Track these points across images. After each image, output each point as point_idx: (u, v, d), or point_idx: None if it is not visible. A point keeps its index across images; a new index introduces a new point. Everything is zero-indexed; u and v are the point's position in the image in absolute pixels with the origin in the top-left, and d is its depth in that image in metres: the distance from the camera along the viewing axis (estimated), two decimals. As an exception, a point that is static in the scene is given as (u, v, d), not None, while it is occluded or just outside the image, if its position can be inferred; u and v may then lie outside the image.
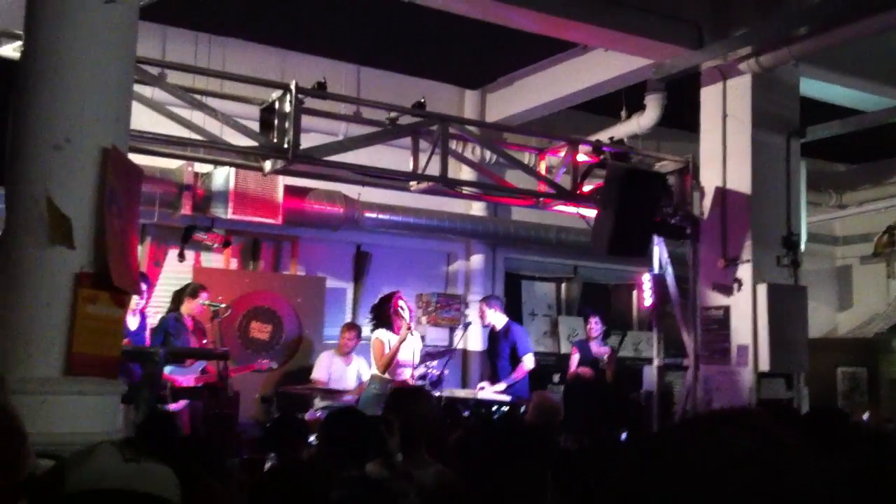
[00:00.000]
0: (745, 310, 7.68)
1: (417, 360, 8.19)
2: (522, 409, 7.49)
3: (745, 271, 7.75)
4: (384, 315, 8.06)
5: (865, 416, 8.73)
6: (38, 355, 3.13)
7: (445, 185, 7.61)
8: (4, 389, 0.85)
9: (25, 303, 3.20)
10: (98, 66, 3.34)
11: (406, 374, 8.03)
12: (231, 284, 9.19)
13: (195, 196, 8.49)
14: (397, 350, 7.86)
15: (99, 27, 3.37)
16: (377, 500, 3.19)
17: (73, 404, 3.15)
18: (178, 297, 8.06)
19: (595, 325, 9.25)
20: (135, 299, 7.59)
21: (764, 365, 7.50)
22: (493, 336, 8.95)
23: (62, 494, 1.47)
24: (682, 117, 9.08)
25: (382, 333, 7.99)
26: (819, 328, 11.63)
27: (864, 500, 2.45)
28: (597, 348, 9.11)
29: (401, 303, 8.05)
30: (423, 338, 8.11)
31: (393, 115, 7.42)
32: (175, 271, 9.05)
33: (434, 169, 7.33)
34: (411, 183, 7.59)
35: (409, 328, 7.96)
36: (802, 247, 8.06)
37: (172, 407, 7.26)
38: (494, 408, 7.93)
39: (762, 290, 7.60)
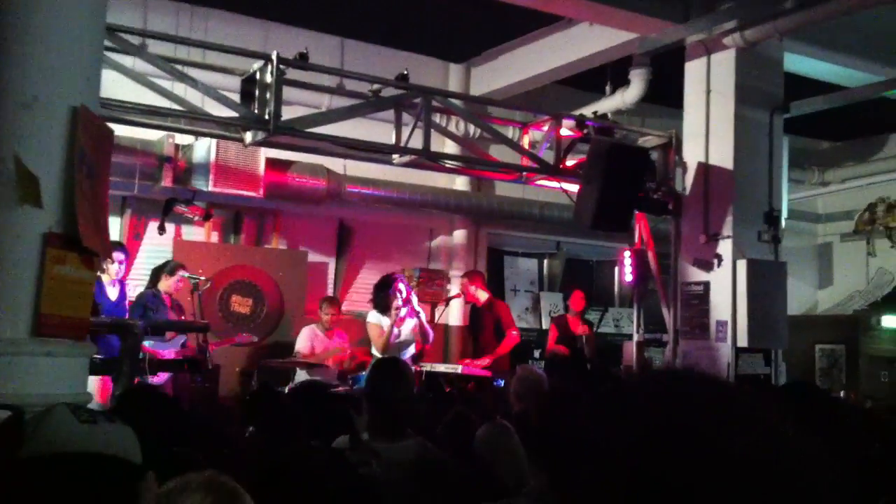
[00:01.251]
0: (725, 285, 7.70)
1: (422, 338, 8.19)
2: (503, 382, 7.50)
3: (725, 247, 7.77)
4: (383, 297, 8.07)
5: (841, 394, 8.79)
6: (6, 316, 3.09)
7: (428, 159, 7.58)
8: None
9: (-7, 263, 3.16)
10: (67, 24, 3.28)
11: (409, 354, 8.02)
12: (212, 258, 9.14)
13: (176, 168, 8.43)
14: (390, 332, 7.89)
15: (68, -16, 3.32)
16: (336, 467, 3.19)
17: (42, 366, 3.11)
18: (157, 274, 8.01)
19: (577, 301, 9.25)
20: (113, 269, 7.57)
21: (742, 340, 7.53)
22: (476, 311, 8.94)
23: (18, 459, 1.42)
24: (667, 93, 9.06)
25: (374, 316, 8.04)
26: (799, 305, 11.70)
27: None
28: (576, 326, 9.12)
29: (400, 286, 8.06)
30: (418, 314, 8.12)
31: (376, 87, 7.36)
32: (156, 244, 8.99)
33: (417, 142, 7.29)
34: (394, 156, 7.55)
35: (398, 310, 7.97)
36: (783, 223, 8.07)
37: (153, 380, 7.23)
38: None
39: (742, 265, 7.62)
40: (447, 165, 8.31)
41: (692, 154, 8.14)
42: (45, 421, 1.50)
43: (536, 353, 9.96)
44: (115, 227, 8.85)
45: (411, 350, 8.10)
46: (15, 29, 3.18)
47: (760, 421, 0.86)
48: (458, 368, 8.35)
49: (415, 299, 8.14)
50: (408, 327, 8.05)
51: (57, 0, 3.27)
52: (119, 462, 1.49)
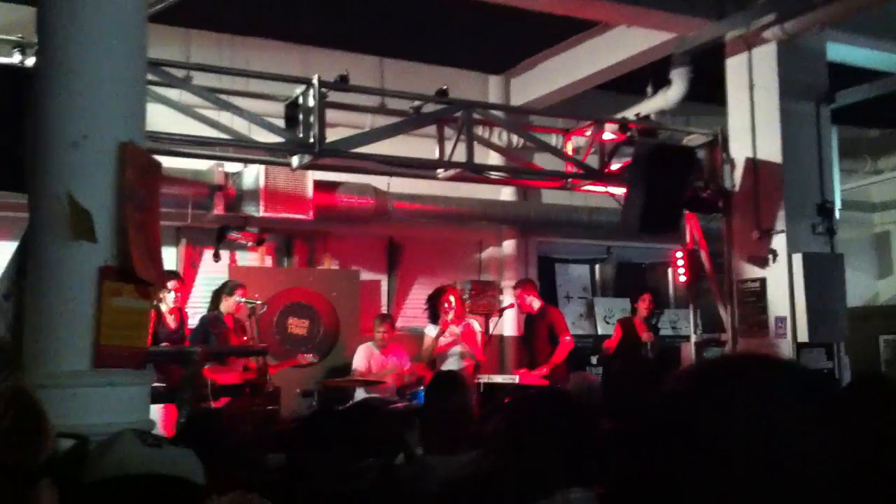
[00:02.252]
0: (782, 281, 7.58)
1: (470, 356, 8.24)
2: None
3: (779, 242, 7.65)
4: (434, 310, 8.18)
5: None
6: (66, 349, 3.20)
7: (472, 171, 7.62)
8: (17, 369, 0.88)
9: (52, 298, 3.27)
10: (110, 64, 3.40)
11: (456, 365, 8.07)
12: (267, 281, 9.28)
13: (227, 196, 8.58)
14: (433, 345, 7.95)
15: (108, 26, 3.43)
16: (394, 485, 3.22)
17: (103, 396, 3.21)
18: (217, 296, 8.17)
19: (646, 303, 9.11)
20: (170, 298, 7.74)
21: (803, 336, 7.41)
22: (530, 320, 8.94)
23: (86, 484, 1.48)
24: (710, 89, 8.96)
25: (430, 329, 8.15)
26: (859, 296, 11.43)
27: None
28: (641, 330, 9.00)
29: (450, 297, 8.14)
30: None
31: (417, 103, 7.44)
32: (212, 272, 9.16)
33: (460, 156, 7.34)
34: (438, 171, 7.60)
35: (445, 324, 8.03)
36: (837, 214, 7.93)
37: (215, 405, 7.35)
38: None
39: (797, 259, 7.51)
40: (492, 177, 8.34)
41: (739, 150, 8.05)
42: (112, 446, 1.56)
43: (593, 360, 9.89)
44: (171, 257, 9.05)
45: (460, 362, 8.11)
46: (60, 71, 3.31)
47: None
48: (516, 379, 8.34)
49: (466, 312, 8.20)
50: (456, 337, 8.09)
51: (99, 41, 3.39)
52: (183, 483, 1.54)
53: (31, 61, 5.51)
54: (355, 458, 3.48)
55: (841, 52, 8.29)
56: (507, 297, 10.08)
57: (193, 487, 1.56)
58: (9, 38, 5.73)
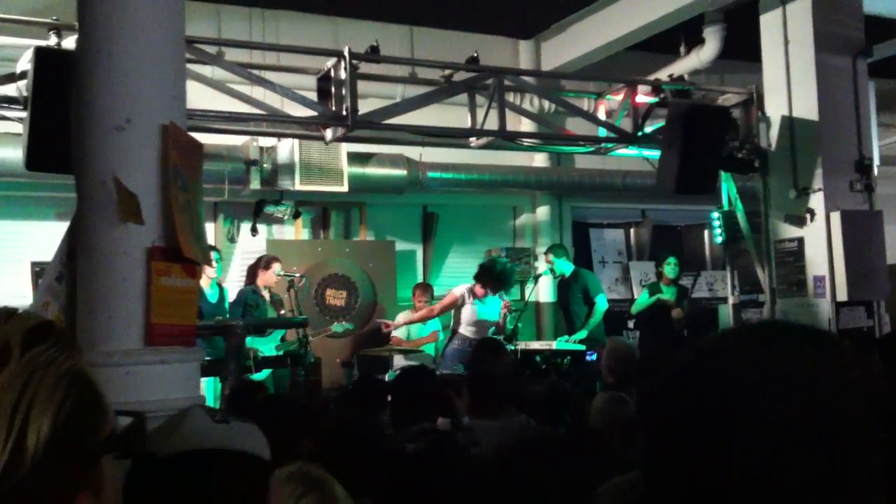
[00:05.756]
0: (820, 240, 7.52)
1: (501, 320, 8.24)
2: (594, 354, 7.50)
3: (817, 200, 7.58)
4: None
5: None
6: (119, 329, 3.29)
7: (505, 139, 7.61)
8: (75, 352, 0.92)
9: (103, 280, 3.35)
10: (150, 47, 3.45)
11: (489, 333, 8.11)
12: (304, 254, 9.39)
13: (262, 170, 8.65)
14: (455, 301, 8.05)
15: (147, 9, 3.48)
16: (449, 449, 3.28)
17: (156, 373, 3.30)
18: (253, 271, 8.28)
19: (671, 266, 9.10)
20: (211, 272, 7.85)
21: (842, 294, 7.35)
22: (563, 284, 8.95)
23: (159, 457, 1.52)
24: (745, 46, 8.84)
25: (462, 288, 8.13)
26: (900, 253, 11.29)
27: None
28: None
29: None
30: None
31: (447, 72, 7.42)
32: (250, 246, 9.27)
33: (492, 123, 7.32)
34: (471, 139, 7.60)
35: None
36: (876, 171, 7.83)
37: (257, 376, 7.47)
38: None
39: (836, 218, 7.43)
40: (524, 143, 8.32)
41: (775, 108, 7.95)
42: (183, 421, 1.60)
43: (630, 324, 9.90)
44: (210, 232, 9.16)
45: (491, 331, 8.15)
46: (101, 57, 3.36)
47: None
48: (553, 344, 8.38)
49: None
50: (489, 308, 8.09)
51: (139, 25, 3.43)
52: (252, 458, 1.59)
53: (67, 43, 5.59)
54: (407, 424, 3.55)
55: (877, 4, 8.13)
56: (542, 263, 10.08)
57: (262, 463, 1.61)
58: (45, 20, 5.80)
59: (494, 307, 8.06)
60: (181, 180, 3.43)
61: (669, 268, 9.07)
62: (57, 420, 0.85)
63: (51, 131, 4.74)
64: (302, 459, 2.06)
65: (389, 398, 4.35)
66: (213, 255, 7.94)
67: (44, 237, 7.08)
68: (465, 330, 7.96)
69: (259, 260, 8.36)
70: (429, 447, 3.11)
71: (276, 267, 8.16)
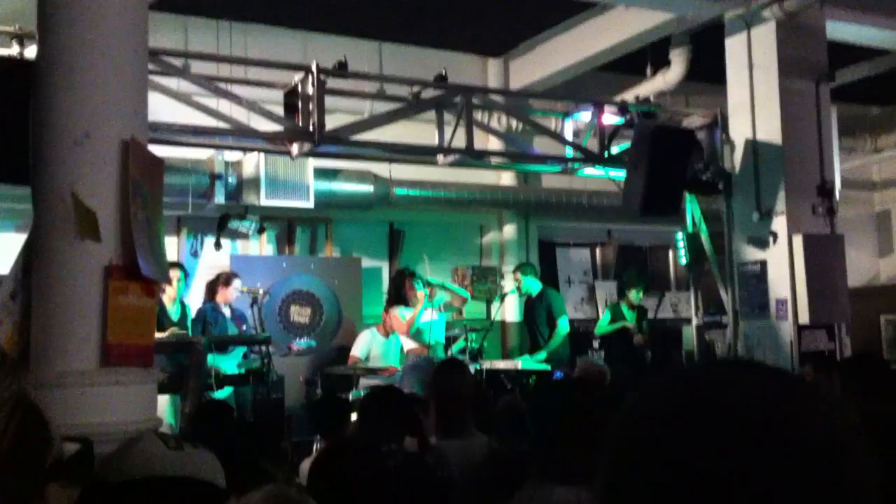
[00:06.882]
0: (783, 262, 7.58)
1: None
2: (562, 374, 7.50)
3: (780, 223, 7.65)
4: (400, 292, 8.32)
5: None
6: (74, 348, 3.21)
7: (472, 157, 7.60)
8: (19, 376, 0.87)
9: (58, 298, 3.27)
10: (112, 61, 3.38)
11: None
12: (269, 270, 9.28)
13: (227, 185, 8.56)
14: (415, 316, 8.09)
15: (110, 22, 3.41)
16: (418, 470, 3.24)
17: (112, 394, 3.22)
18: (212, 288, 8.17)
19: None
20: (174, 288, 7.73)
21: (804, 317, 7.41)
22: (529, 303, 8.96)
23: (110, 485, 1.48)
24: (710, 69, 8.93)
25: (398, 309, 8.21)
26: (860, 276, 11.45)
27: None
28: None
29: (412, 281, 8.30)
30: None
31: (416, 89, 7.41)
32: (213, 261, 9.16)
33: (460, 141, 7.32)
34: (438, 156, 7.59)
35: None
36: (837, 194, 7.92)
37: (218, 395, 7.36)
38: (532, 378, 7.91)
39: (798, 241, 7.50)
40: (492, 162, 8.33)
41: (739, 131, 8.03)
42: (135, 447, 1.57)
43: (595, 344, 9.92)
44: (172, 247, 9.03)
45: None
46: (61, 69, 3.29)
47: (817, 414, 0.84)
48: (518, 364, 8.37)
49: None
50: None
51: (101, 38, 3.37)
52: (206, 486, 1.56)
53: (28, 52, 5.49)
54: (381, 439, 3.50)
55: (840, 30, 8.25)
56: (509, 283, 10.08)
57: (215, 490, 1.58)
58: (6, 29, 5.70)
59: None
60: (141, 197, 3.37)
61: (635, 293, 9.13)
62: None
63: (10, 142, 4.64)
64: (276, 481, 2.01)
65: (355, 417, 4.29)
66: (177, 272, 7.83)
67: (3, 250, 6.94)
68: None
69: (218, 276, 8.25)
70: (398, 469, 3.07)
71: (237, 283, 8.07)
